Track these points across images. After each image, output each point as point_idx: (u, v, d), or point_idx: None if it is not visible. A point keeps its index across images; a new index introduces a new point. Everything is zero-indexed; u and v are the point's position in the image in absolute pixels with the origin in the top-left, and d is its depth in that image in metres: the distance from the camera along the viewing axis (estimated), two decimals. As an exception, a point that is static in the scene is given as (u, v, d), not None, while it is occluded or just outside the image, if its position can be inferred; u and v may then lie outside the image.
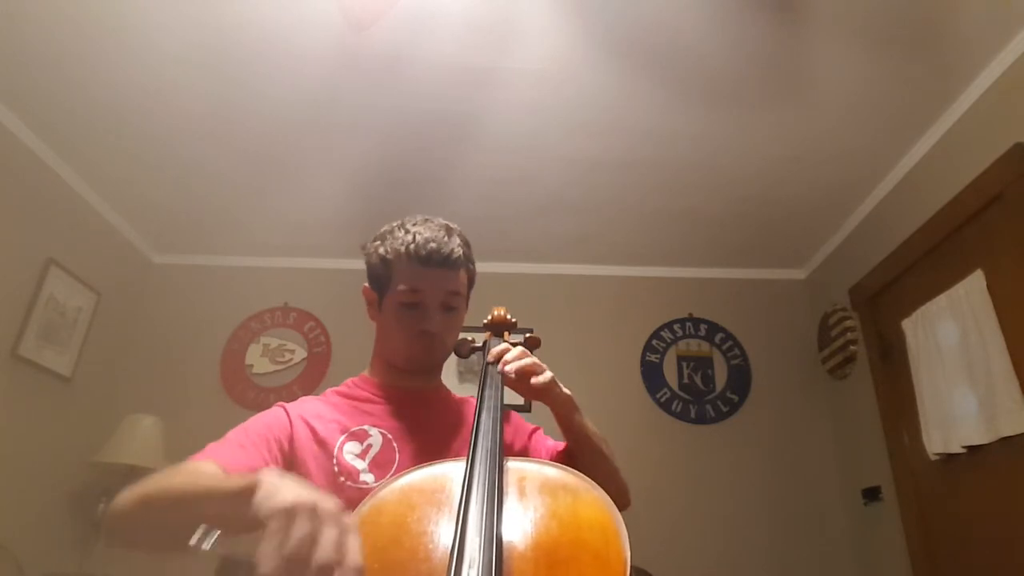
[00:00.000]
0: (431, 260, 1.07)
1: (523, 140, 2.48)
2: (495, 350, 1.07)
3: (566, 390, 1.08)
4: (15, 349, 2.42)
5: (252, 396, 3.12)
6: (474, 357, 1.22)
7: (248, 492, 0.65)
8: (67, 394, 2.73)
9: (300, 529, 0.59)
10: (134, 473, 2.62)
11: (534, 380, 1.02)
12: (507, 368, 1.02)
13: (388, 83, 2.20)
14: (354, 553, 0.60)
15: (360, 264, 3.64)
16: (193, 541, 0.68)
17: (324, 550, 0.59)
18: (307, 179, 2.76)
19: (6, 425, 2.38)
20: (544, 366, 1.05)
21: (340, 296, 3.28)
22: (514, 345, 1.21)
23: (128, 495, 0.84)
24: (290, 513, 0.60)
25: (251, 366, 3.20)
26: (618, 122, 2.37)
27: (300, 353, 3.24)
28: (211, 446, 0.95)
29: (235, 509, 0.67)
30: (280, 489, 0.64)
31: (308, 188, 2.82)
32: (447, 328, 1.11)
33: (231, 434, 0.99)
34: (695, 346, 3.28)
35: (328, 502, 0.63)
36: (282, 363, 3.22)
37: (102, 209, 2.92)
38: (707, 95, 2.23)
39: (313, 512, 0.61)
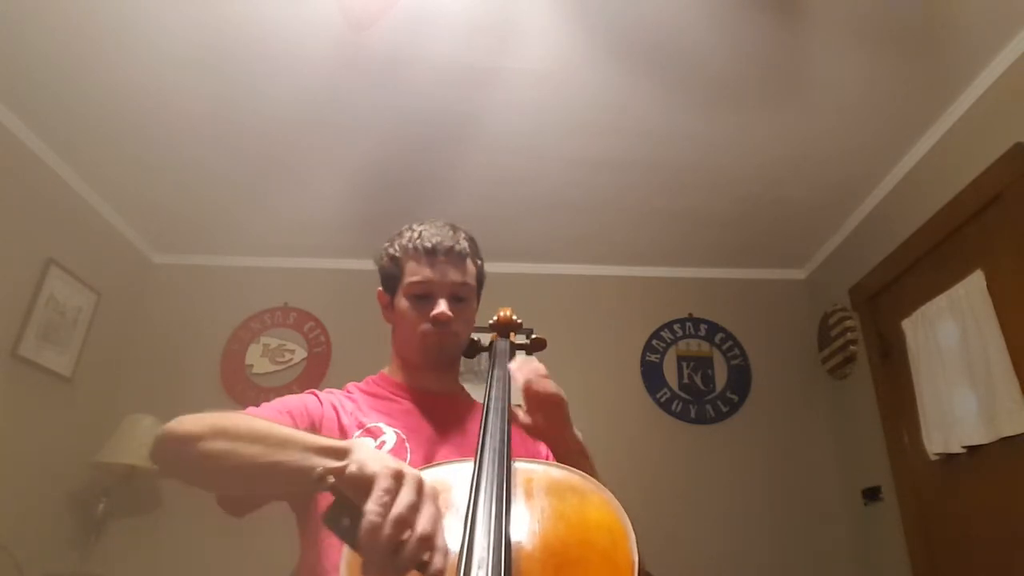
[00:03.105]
0: (437, 251, 1.11)
1: (523, 140, 2.48)
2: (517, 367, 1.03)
3: (578, 432, 1.03)
4: (15, 349, 2.42)
5: (252, 396, 3.12)
6: (478, 357, 1.22)
7: (342, 449, 0.69)
8: (67, 394, 2.73)
9: (408, 494, 0.62)
10: (134, 473, 2.62)
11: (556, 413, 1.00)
12: (536, 387, 0.98)
13: (388, 83, 2.20)
14: (444, 534, 0.63)
15: (360, 264, 3.62)
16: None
17: (426, 522, 0.62)
18: (307, 179, 2.75)
19: (6, 425, 2.38)
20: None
21: (340, 296, 3.28)
22: (520, 347, 1.21)
23: (195, 421, 0.83)
24: (399, 477, 0.63)
25: (251, 366, 3.19)
26: (618, 122, 2.37)
27: (300, 353, 3.24)
28: (250, 409, 0.97)
29: (327, 462, 0.69)
30: (380, 455, 0.67)
31: (308, 188, 2.82)
32: (457, 317, 1.12)
33: (267, 404, 1.02)
34: (695, 346, 3.29)
35: (429, 482, 0.66)
36: (282, 363, 3.22)
37: (102, 209, 2.91)
38: (707, 95, 2.23)
39: (420, 483, 0.64)
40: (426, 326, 1.11)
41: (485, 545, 0.66)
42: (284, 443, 0.76)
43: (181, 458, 0.84)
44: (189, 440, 0.81)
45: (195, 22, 1.96)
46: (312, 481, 0.67)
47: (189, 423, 0.83)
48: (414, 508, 0.62)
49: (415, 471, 0.66)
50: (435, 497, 0.65)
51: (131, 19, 1.95)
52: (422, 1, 1.88)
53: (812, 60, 2.06)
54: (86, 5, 1.91)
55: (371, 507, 0.60)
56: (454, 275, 1.12)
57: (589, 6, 1.90)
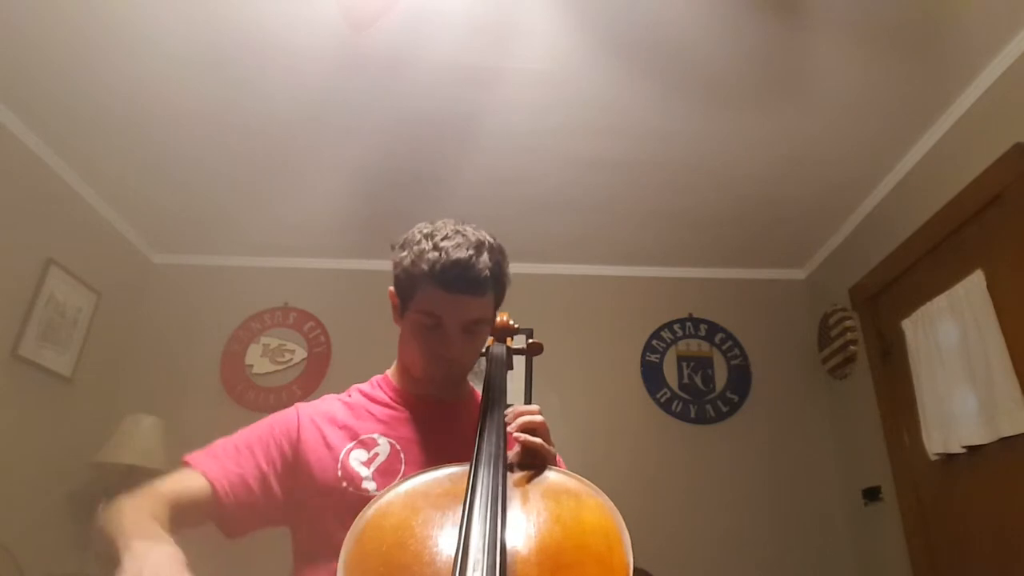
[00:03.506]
0: (454, 286, 0.98)
1: (523, 140, 2.48)
2: (514, 413, 0.97)
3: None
4: (15, 349, 2.42)
5: (252, 396, 3.12)
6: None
7: (120, 555, 0.70)
8: (67, 394, 2.73)
9: None
10: (134, 473, 2.62)
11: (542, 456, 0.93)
12: (525, 438, 0.92)
13: (388, 83, 2.20)
14: None
15: (360, 264, 3.61)
16: None
17: None
18: (307, 179, 2.75)
19: (6, 425, 2.38)
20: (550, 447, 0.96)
21: (340, 296, 3.28)
22: (517, 351, 1.21)
23: (112, 507, 0.85)
24: None
25: (251, 366, 3.19)
26: (618, 122, 2.37)
27: (300, 353, 3.24)
28: (217, 444, 0.99)
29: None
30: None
31: (308, 188, 2.82)
32: (466, 352, 1.05)
33: (237, 436, 1.02)
34: (695, 346, 3.29)
35: None
36: (282, 363, 3.22)
37: (102, 209, 2.91)
38: (707, 95, 2.23)
39: None
40: (432, 358, 1.04)
41: (480, 547, 0.66)
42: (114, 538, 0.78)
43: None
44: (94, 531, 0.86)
45: (195, 22, 1.96)
46: None
47: (102, 513, 0.86)
48: None
49: None
50: None
51: (131, 19, 1.95)
52: (422, 1, 1.88)
53: (812, 60, 2.06)
54: (86, 5, 1.91)
55: None
56: (468, 313, 1.01)
57: (589, 6, 1.90)
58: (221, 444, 1.00)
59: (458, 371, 1.09)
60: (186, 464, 0.98)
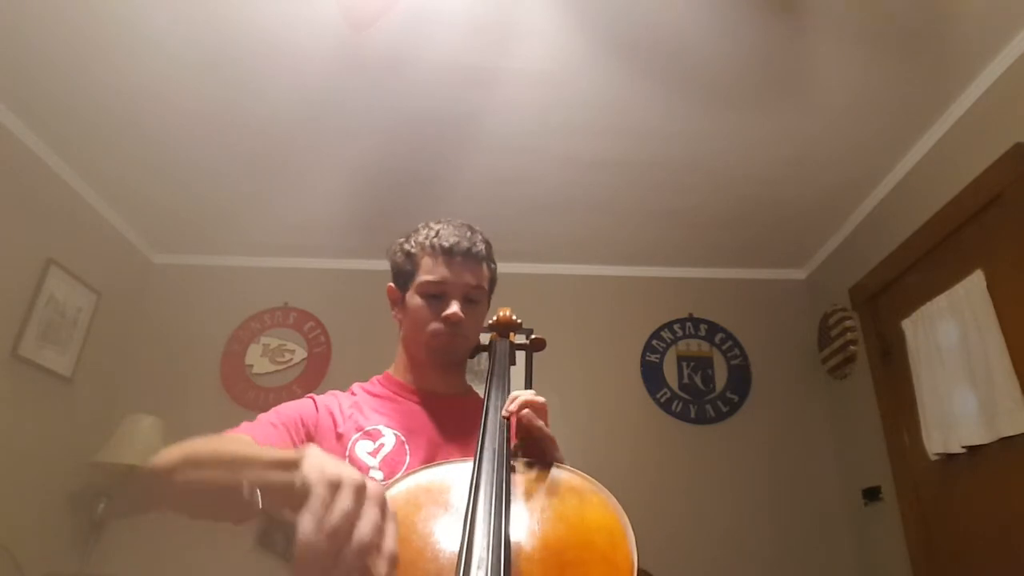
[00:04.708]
0: (454, 251, 1.11)
1: (523, 140, 2.48)
2: (513, 395, 0.96)
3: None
4: (15, 349, 2.42)
5: (252, 396, 3.12)
6: (478, 357, 1.22)
7: (294, 461, 0.66)
8: (67, 394, 2.73)
9: (344, 502, 0.59)
10: (134, 473, 2.62)
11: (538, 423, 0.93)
12: (527, 418, 0.91)
13: (388, 83, 2.20)
14: (392, 539, 0.60)
15: (360, 264, 3.61)
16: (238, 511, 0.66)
17: (365, 529, 0.58)
18: (307, 179, 2.75)
19: (6, 425, 2.38)
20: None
21: (340, 296, 3.28)
22: (519, 347, 1.21)
23: (172, 452, 0.85)
24: (337, 484, 0.60)
25: (251, 366, 3.19)
26: (618, 122, 2.37)
27: (300, 353, 3.24)
28: (244, 424, 0.99)
29: (279, 476, 0.67)
30: (327, 462, 0.65)
31: (308, 188, 2.82)
32: (468, 319, 1.12)
33: (263, 416, 1.03)
34: (695, 346, 3.29)
35: (375, 484, 0.63)
36: (282, 363, 3.22)
37: (102, 209, 2.91)
38: (708, 95, 2.23)
39: (360, 489, 0.61)
40: (436, 325, 1.11)
41: (484, 545, 0.66)
42: (245, 463, 0.76)
43: (160, 493, 0.87)
44: (163, 475, 0.84)
45: (195, 22, 1.96)
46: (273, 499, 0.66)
47: (164, 456, 0.85)
48: (350, 516, 0.58)
49: (356, 476, 0.62)
50: (382, 502, 0.62)
51: (131, 19, 1.95)
52: (422, 1, 1.88)
53: (812, 60, 2.06)
54: (86, 5, 1.91)
55: (302, 521, 0.57)
56: (469, 277, 1.12)
57: (589, 6, 1.90)
58: (255, 422, 1.01)
59: (460, 342, 1.13)
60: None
